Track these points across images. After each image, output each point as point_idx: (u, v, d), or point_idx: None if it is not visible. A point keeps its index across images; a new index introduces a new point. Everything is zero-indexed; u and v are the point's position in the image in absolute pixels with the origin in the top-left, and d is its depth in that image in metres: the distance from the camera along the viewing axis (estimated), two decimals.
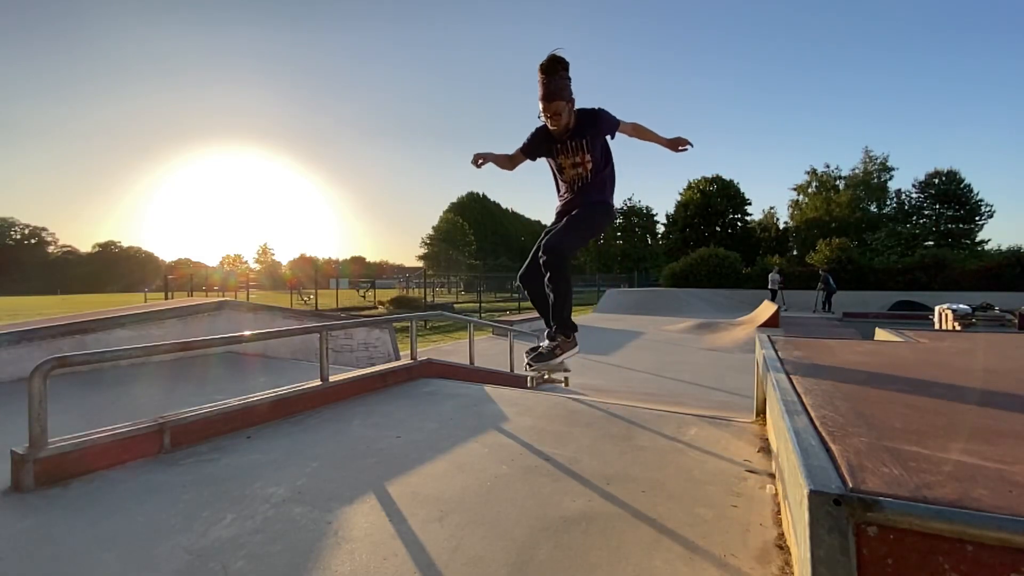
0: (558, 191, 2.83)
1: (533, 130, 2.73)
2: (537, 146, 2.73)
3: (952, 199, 38.55)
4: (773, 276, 20.39)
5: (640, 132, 2.70)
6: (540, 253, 2.60)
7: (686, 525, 1.48)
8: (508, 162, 2.83)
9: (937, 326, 9.56)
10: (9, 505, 1.64)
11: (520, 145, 2.78)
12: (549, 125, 2.56)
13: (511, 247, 66.24)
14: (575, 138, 2.60)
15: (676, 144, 2.67)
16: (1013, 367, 2.14)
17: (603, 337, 10.80)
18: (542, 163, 2.85)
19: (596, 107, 2.61)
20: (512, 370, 5.45)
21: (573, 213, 2.66)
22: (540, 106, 2.50)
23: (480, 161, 2.78)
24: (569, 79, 2.47)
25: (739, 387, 5.49)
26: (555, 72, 2.42)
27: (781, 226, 46.25)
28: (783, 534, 1.42)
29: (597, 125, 2.58)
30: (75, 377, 3.60)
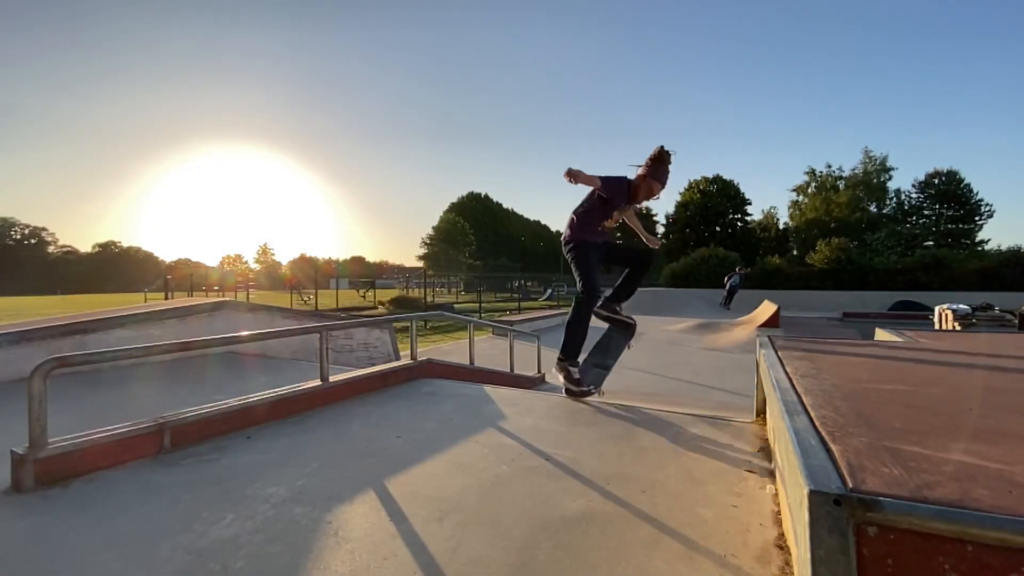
0: (591, 222, 3.00)
1: (623, 180, 2.92)
2: (619, 195, 2.91)
3: (952, 199, 38.55)
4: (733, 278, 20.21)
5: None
6: (637, 259, 3.24)
7: (686, 525, 1.48)
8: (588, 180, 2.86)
9: (937, 326, 9.56)
10: (9, 505, 1.64)
11: (606, 183, 2.86)
12: (648, 197, 2.92)
13: (511, 247, 66.18)
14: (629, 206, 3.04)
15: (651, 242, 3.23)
16: (1013, 367, 2.14)
17: None
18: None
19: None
20: (512, 370, 5.45)
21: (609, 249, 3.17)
22: (656, 187, 2.84)
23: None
24: None
25: (739, 387, 5.49)
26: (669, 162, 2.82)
27: (781, 226, 46.24)
28: (783, 534, 1.42)
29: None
30: (75, 377, 3.60)
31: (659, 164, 2.79)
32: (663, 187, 2.84)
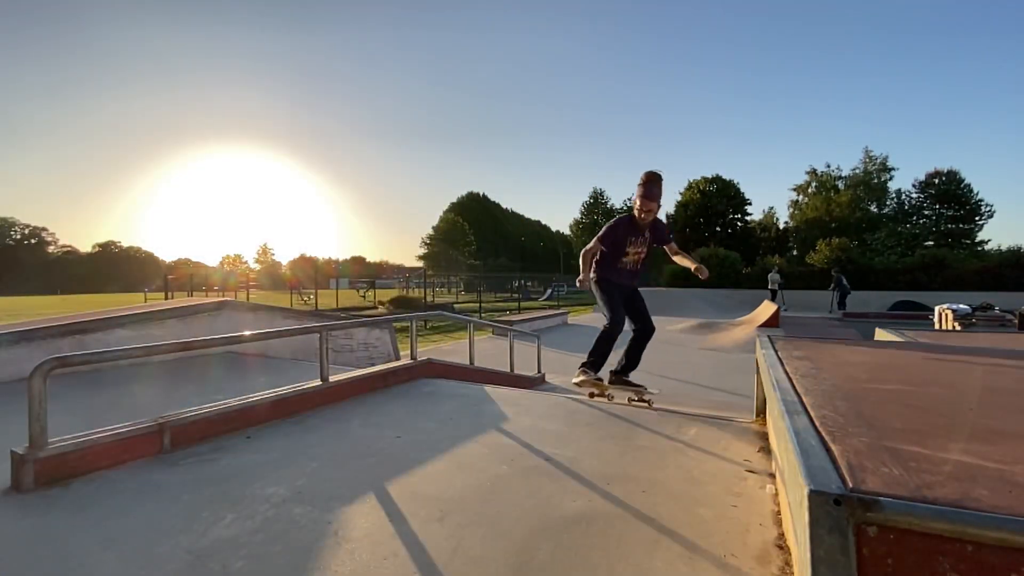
0: (611, 263, 3.31)
1: (616, 222, 3.27)
2: (621, 234, 3.24)
3: (952, 199, 38.48)
4: (773, 276, 20.20)
5: (677, 255, 3.48)
6: (644, 326, 3.37)
7: (686, 525, 1.48)
8: (591, 257, 3.29)
9: (937, 326, 9.54)
10: (9, 505, 1.64)
11: (600, 237, 3.23)
12: (640, 216, 3.18)
13: (511, 247, 66.19)
14: (645, 234, 3.28)
15: (699, 270, 3.37)
16: (1013, 367, 2.14)
17: None
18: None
19: (664, 221, 3.41)
20: (512, 370, 5.45)
21: (635, 294, 3.47)
22: (640, 202, 3.13)
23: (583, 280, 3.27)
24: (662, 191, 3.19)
25: (739, 387, 5.49)
26: (659, 180, 3.14)
27: (781, 226, 46.22)
28: (783, 534, 1.42)
29: (663, 233, 3.38)
30: (75, 377, 3.60)
31: (643, 186, 3.13)
32: (653, 200, 3.12)
